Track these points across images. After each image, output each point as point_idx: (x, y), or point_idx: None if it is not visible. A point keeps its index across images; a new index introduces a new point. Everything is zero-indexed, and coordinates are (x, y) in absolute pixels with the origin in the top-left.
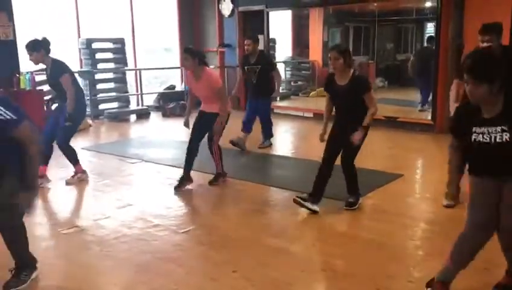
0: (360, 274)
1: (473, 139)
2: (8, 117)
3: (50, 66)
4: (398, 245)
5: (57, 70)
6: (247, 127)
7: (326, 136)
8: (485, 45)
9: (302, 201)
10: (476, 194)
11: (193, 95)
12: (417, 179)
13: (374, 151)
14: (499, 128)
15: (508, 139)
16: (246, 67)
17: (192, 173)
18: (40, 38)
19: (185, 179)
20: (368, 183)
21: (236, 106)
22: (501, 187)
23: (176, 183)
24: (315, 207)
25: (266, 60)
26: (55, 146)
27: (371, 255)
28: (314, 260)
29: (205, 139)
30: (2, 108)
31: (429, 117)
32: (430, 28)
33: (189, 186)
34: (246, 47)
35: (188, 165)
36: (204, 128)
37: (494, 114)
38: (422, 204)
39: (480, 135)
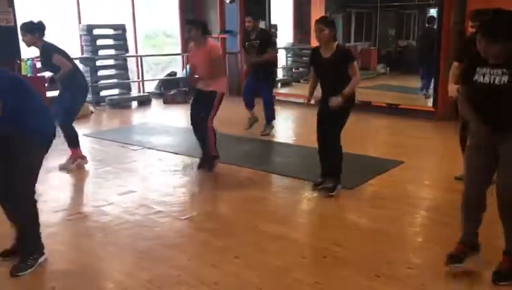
0: (360, 261)
1: (474, 79)
2: None
3: (41, 50)
4: (398, 232)
5: (47, 52)
6: (247, 104)
7: (312, 99)
8: (475, 30)
9: (319, 185)
10: (472, 152)
11: (193, 71)
12: (418, 166)
13: (375, 138)
14: (499, 71)
15: (505, 82)
16: (246, 43)
17: (194, 160)
18: (36, 21)
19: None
20: (368, 169)
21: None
22: (498, 142)
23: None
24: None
25: (266, 36)
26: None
27: (371, 242)
28: (315, 247)
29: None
30: None
31: (431, 104)
32: (432, 14)
33: (190, 172)
34: (246, 24)
35: (203, 144)
36: (203, 106)
37: (499, 61)
38: (422, 191)
39: (482, 76)
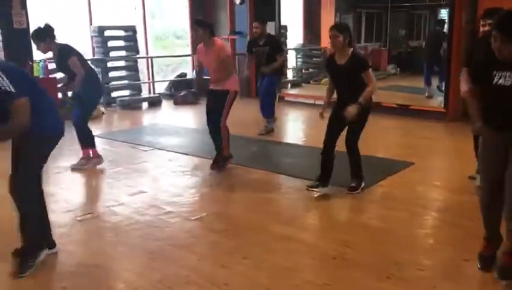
0: (370, 262)
1: (494, 82)
2: (6, 89)
3: (57, 51)
4: (408, 233)
5: (64, 54)
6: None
7: (325, 114)
8: (486, 28)
9: (313, 189)
10: (484, 149)
11: (200, 70)
12: (428, 167)
13: (386, 139)
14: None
15: None
16: (254, 48)
17: (204, 160)
18: (42, 26)
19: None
20: (379, 171)
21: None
22: (508, 149)
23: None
24: (325, 190)
25: (274, 42)
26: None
27: (381, 243)
28: (325, 248)
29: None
30: (4, 78)
31: (441, 105)
32: (443, 14)
33: (200, 173)
34: (254, 30)
35: (217, 146)
36: (218, 106)
37: None
38: (432, 192)
39: (502, 78)
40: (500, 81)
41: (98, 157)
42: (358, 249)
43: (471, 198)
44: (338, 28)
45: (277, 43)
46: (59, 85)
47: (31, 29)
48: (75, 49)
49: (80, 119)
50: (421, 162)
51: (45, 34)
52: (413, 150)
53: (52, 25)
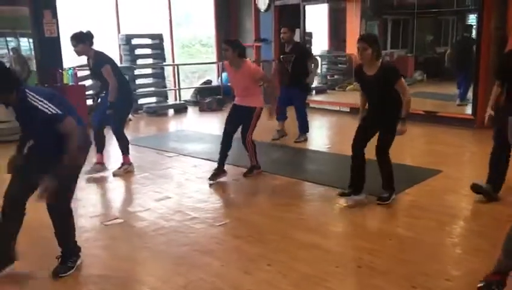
0: (396, 272)
1: None
2: (53, 112)
3: (93, 58)
4: (435, 243)
5: (99, 61)
6: (279, 114)
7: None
8: None
9: (344, 196)
10: None
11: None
12: (456, 176)
13: (413, 146)
14: None
15: None
16: (281, 56)
17: (227, 167)
18: (85, 31)
19: (219, 171)
20: (405, 179)
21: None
22: None
23: (210, 174)
24: (361, 197)
25: (301, 49)
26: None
27: (407, 252)
28: (349, 256)
29: (239, 134)
30: (47, 102)
31: (469, 112)
32: (472, 20)
33: (224, 180)
34: (282, 35)
35: (222, 158)
36: (238, 121)
37: None
38: (460, 201)
39: None
40: None
41: (129, 165)
42: (384, 258)
43: (500, 207)
44: (367, 41)
45: (304, 51)
46: (90, 92)
47: (62, 38)
48: (109, 58)
49: (117, 128)
50: (448, 170)
51: (86, 37)
52: (441, 158)
53: (92, 32)
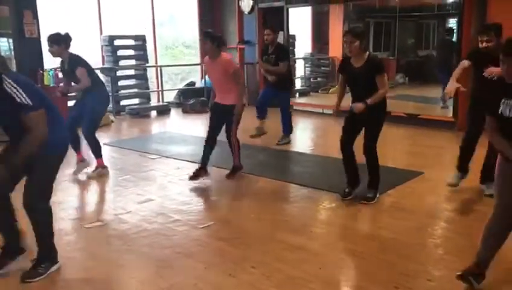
0: (379, 272)
1: (499, 111)
2: (23, 101)
3: (67, 60)
4: (417, 243)
5: (73, 63)
6: (260, 113)
7: (340, 108)
8: (484, 45)
9: (348, 196)
10: (501, 174)
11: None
12: (438, 177)
13: (395, 148)
14: None
15: None
16: (264, 57)
17: (212, 169)
18: (62, 33)
19: (201, 171)
20: (388, 180)
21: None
22: None
23: (192, 174)
24: (357, 191)
25: (283, 51)
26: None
27: (389, 253)
28: (333, 258)
29: (222, 136)
30: (20, 90)
31: (451, 114)
32: (452, 24)
33: (207, 181)
34: (265, 37)
35: (205, 158)
36: (221, 120)
37: None
38: (442, 202)
39: (508, 109)
40: (506, 112)
41: (103, 168)
42: (367, 258)
43: (481, 208)
44: (354, 33)
45: (282, 52)
46: (60, 84)
47: (42, 39)
48: (84, 60)
49: (88, 130)
50: (430, 171)
51: (62, 39)
52: (422, 159)
53: (70, 35)
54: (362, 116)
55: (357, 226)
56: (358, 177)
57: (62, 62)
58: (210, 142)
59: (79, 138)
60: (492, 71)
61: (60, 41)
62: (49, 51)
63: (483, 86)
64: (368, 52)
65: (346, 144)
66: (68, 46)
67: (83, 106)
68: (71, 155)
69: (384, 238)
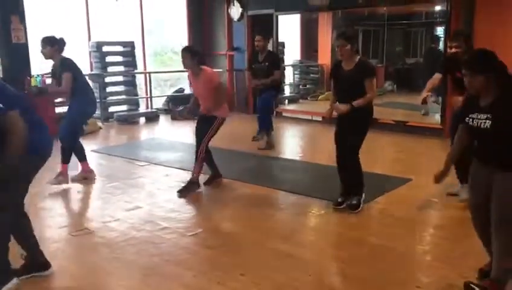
0: (369, 279)
1: (466, 121)
2: None
3: (58, 63)
4: (406, 250)
5: (63, 67)
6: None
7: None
8: (453, 50)
9: (341, 205)
10: (470, 174)
11: (196, 99)
12: (425, 184)
13: (383, 155)
14: (484, 116)
15: (488, 127)
16: (253, 65)
17: (201, 176)
18: (58, 37)
19: (212, 177)
20: (376, 187)
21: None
22: (491, 178)
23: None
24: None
25: (274, 58)
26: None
27: (379, 260)
28: (322, 265)
29: (214, 143)
30: None
31: (438, 121)
32: (439, 32)
33: (198, 190)
34: (256, 43)
35: (211, 167)
36: (204, 129)
37: (486, 103)
38: (430, 209)
39: (471, 120)
40: (474, 123)
41: (90, 173)
42: (356, 265)
43: (469, 214)
44: (345, 37)
45: (276, 59)
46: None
47: (30, 44)
48: (74, 65)
49: (65, 135)
50: (418, 178)
51: (56, 42)
52: (411, 166)
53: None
54: (348, 124)
55: (346, 233)
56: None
57: (54, 66)
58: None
59: (82, 147)
60: (456, 102)
61: (53, 43)
62: (41, 52)
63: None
64: (358, 56)
65: (341, 158)
66: (62, 49)
67: (69, 112)
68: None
69: (373, 245)
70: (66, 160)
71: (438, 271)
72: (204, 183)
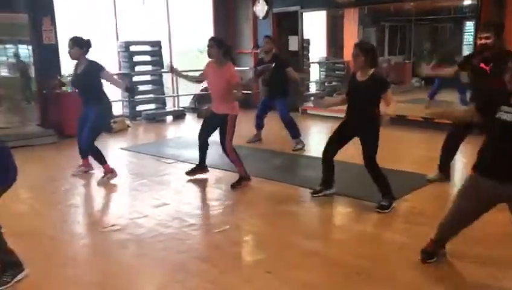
0: (395, 278)
1: (497, 116)
2: None
3: (84, 66)
4: None
5: (91, 70)
6: (257, 123)
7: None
8: (483, 41)
9: (319, 193)
10: (469, 187)
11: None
12: (454, 181)
13: (410, 152)
14: None
15: None
16: (257, 67)
17: (227, 173)
18: (85, 38)
19: (197, 169)
20: (404, 185)
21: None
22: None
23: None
24: (332, 190)
25: (280, 60)
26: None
27: (406, 259)
28: (348, 263)
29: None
30: None
31: None
32: (469, 27)
33: (222, 185)
34: (264, 44)
35: (200, 158)
36: (212, 127)
37: None
38: None
39: (504, 114)
40: (505, 117)
41: (112, 173)
42: (382, 264)
43: (498, 213)
44: (362, 48)
45: (283, 60)
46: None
47: (60, 45)
48: (103, 66)
49: (88, 141)
50: None
51: (84, 43)
52: None
53: (91, 42)
54: (357, 130)
55: (373, 231)
56: (333, 180)
57: (76, 65)
58: (201, 145)
59: (99, 150)
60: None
61: (81, 45)
62: (69, 52)
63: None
64: (372, 69)
65: (330, 156)
66: (87, 51)
67: (85, 118)
68: (91, 159)
69: (402, 243)
70: (102, 161)
71: (468, 270)
72: (186, 173)
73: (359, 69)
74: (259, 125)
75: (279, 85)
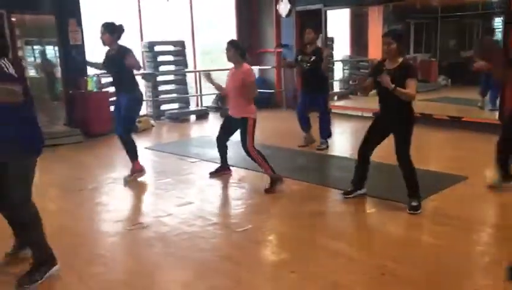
0: (421, 280)
1: None
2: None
3: (115, 50)
4: (462, 251)
5: (122, 52)
6: (303, 123)
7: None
8: None
9: (350, 194)
10: None
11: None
12: (482, 182)
13: (437, 152)
14: None
15: None
16: (299, 56)
17: (250, 172)
18: (117, 23)
19: (220, 169)
20: (430, 185)
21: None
22: None
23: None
24: (363, 191)
25: (321, 54)
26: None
27: (432, 260)
28: (374, 264)
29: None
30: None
31: (496, 117)
32: (497, 23)
33: (245, 184)
34: (306, 35)
35: (221, 159)
36: (230, 131)
37: None
38: (488, 208)
39: None
40: None
41: (140, 171)
42: (409, 266)
43: None
44: (394, 36)
45: (320, 55)
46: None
47: (86, 46)
48: (132, 51)
49: (125, 130)
50: (474, 176)
51: (115, 29)
52: (466, 163)
53: (124, 28)
54: (390, 122)
55: (398, 232)
56: (364, 182)
57: (108, 51)
58: (220, 146)
59: (135, 144)
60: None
61: (112, 31)
62: (101, 38)
63: None
64: (403, 57)
65: (366, 155)
66: (119, 37)
67: (119, 107)
68: (117, 156)
69: (427, 244)
70: (134, 157)
71: (496, 273)
72: (210, 174)
73: (391, 57)
74: (307, 127)
75: (319, 80)
